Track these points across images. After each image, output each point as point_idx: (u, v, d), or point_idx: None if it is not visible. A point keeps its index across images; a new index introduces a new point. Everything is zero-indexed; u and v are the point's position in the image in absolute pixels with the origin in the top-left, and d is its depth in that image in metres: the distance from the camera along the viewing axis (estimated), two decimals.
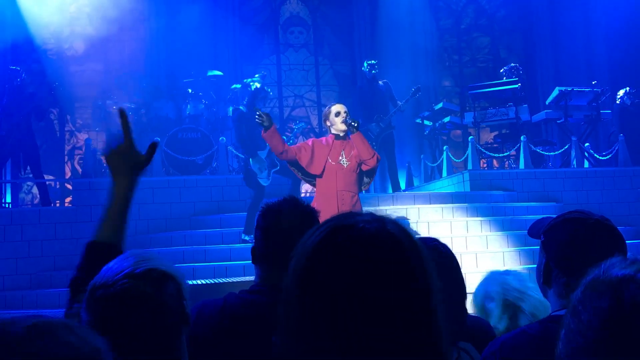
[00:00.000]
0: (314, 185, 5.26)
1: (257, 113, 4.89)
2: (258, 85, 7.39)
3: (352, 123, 5.03)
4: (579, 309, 0.84)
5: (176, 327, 1.27)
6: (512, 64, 10.17)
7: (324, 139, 5.23)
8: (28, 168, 8.28)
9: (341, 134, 5.12)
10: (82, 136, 11.47)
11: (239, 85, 9.77)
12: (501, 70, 10.11)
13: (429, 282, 0.78)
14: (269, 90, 7.58)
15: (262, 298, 1.67)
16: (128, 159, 1.51)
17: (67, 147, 11.99)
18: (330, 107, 5.21)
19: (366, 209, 7.54)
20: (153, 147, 1.53)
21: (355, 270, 0.74)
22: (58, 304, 6.16)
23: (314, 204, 4.95)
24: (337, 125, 5.08)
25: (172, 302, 1.25)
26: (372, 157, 5.06)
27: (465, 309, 1.93)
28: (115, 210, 1.49)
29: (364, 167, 5.12)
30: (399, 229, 0.80)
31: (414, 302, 0.76)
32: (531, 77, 12.94)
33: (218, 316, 1.67)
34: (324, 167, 5.04)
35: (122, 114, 1.53)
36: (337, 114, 5.10)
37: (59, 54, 11.64)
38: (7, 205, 9.01)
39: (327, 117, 5.19)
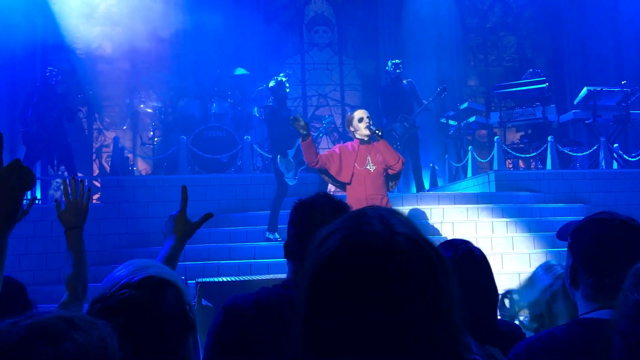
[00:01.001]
0: (344, 189, 5.37)
1: (298, 122, 5.00)
2: (274, 82, 7.36)
3: (377, 131, 5.16)
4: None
5: (179, 333, 1.25)
6: (532, 70, 10.13)
7: (349, 144, 5.34)
8: (62, 167, 8.47)
9: (365, 139, 5.24)
10: (110, 134, 11.65)
11: (264, 85, 9.84)
12: (529, 72, 10.04)
13: (442, 294, 0.77)
14: (283, 78, 7.51)
15: (295, 293, 1.68)
16: (181, 225, 1.92)
17: (95, 145, 12.18)
18: (353, 113, 5.35)
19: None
20: (206, 217, 1.97)
21: (359, 290, 0.75)
22: (86, 299, 6.28)
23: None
24: (361, 130, 5.22)
25: (172, 308, 1.24)
26: (398, 162, 5.21)
27: (496, 313, 1.92)
28: (169, 261, 1.84)
29: (390, 172, 5.26)
30: (407, 242, 0.78)
31: (423, 317, 0.75)
32: (558, 77, 12.74)
33: (251, 310, 1.69)
34: (352, 173, 5.18)
35: (183, 189, 1.99)
36: (360, 120, 5.23)
37: (88, 53, 11.84)
38: (37, 202, 9.21)
39: (350, 123, 5.32)
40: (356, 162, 5.19)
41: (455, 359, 0.77)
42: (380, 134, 5.17)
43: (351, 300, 0.75)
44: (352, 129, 5.31)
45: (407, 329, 0.74)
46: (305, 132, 5.01)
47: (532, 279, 2.36)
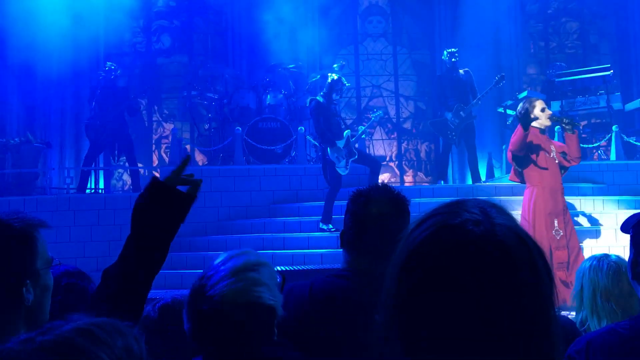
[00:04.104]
0: (523, 181, 5.46)
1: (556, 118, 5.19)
2: (335, 77, 7.39)
3: (574, 123, 5.26)
4: None
5: (267, 328, 1.38)
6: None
7: (532, 130, 5.31)
8: (123, 157, 8.79)
9: (543, 128, 5.31)
10: (169, 126, 11.97)
11: (318, 76, 9.84)
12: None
13: (539, 293, 0.74)
14: (346, 82, 7.56)
15: (348, 282, 1.69)
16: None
17: (155, 137, 12.54)
18: (534, 102, 5.36)
19: (446, 200, 7.40)
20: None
21: (455, 277, 0.72)
22: None
23: (534, 195, 5.24)
24: (543, 120, 5.27)
25: (265, 327, 1.37)
26: (579, 157, 5.36)
27: None
28: None
29: (572, 163, 5.34)
30: (509, 233, 0.75)
31: (516, 314, 0.72)
32: (625, 63, 12.18)
33: (306, 298, 1.71)
34: (546, 160, 5.27)
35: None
36: (543, 110, 5.29)
37: (148, 47, 12.19)
38: (100, 191, 9.59)
39: (530, 111, 5.30)
40: (545, 150, 5.28)
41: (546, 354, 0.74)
42: (571, 127, 5.23)
43: (449, 289, 0.72)
44: (531, 116, 5.30)
45: (503, 319, 0.71)
46: (528, 122, 5.11)
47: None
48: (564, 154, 5.32)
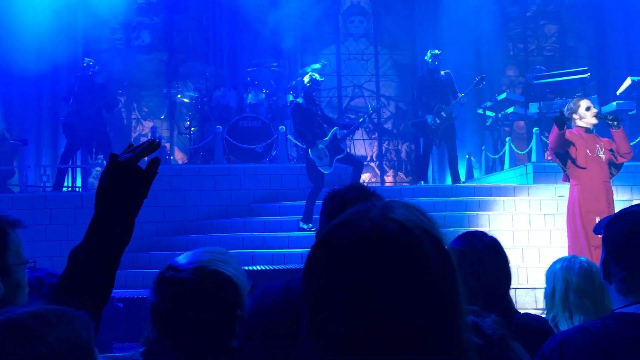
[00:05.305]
0: (567, 179, 5.37)
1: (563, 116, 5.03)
2: (308, 77, 7.43)
3: (619, 119, 5.17)
4: None
5: (227, 325, 1.34)
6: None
7: (575, 130, 5.29)
8: (100, 155, 8.69)
9: (590, 127, 5.26)
10: (148, 124, 11.86)
11: (301, 71, 9.84)
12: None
13: (430, 286, 0.72)
14: (319, 77, 7.55)
15: None
16: None
17: (134, 135, 12.42)
18: (579, 102, 5.35)
19: (425, 200, 7.47)
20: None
21: (341, 270, 0.73)
22: (125, 285, 6.43)
23: (576, 196, 5.14)
24: (589, 119, 5.24)
25: (227, 306, 1.33)
26: (630, 152, 5.24)
27: (511, 302, 2.02)
28: None
29: (620, 159, 5.26)
30: (399, 228, 0.74)
31: (402, 307, 0.71)
32: (601, 66, 12.38)
33: (281, 298, 1.71)
34: (586, 159, 5.20)
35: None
36: (588, 109, 5.25)
37: (127, 43, 12.06)
38: (77, 190, 9.47)
39: (574, 111, 5.30)
40: (588, 149, 5.20)
41: (446, 353, 0.72)
42: (616, 123, 5.15)
43: (336, 282, 0.73)
44: (575, 117, 5.28)
45: (391, 312, 0.71)
46: (560, 125, 5.03)
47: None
48: (612, 151, 5.25)
